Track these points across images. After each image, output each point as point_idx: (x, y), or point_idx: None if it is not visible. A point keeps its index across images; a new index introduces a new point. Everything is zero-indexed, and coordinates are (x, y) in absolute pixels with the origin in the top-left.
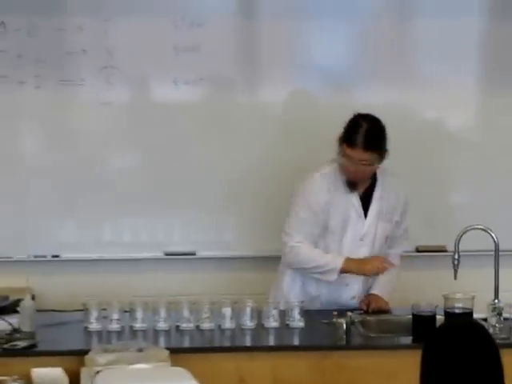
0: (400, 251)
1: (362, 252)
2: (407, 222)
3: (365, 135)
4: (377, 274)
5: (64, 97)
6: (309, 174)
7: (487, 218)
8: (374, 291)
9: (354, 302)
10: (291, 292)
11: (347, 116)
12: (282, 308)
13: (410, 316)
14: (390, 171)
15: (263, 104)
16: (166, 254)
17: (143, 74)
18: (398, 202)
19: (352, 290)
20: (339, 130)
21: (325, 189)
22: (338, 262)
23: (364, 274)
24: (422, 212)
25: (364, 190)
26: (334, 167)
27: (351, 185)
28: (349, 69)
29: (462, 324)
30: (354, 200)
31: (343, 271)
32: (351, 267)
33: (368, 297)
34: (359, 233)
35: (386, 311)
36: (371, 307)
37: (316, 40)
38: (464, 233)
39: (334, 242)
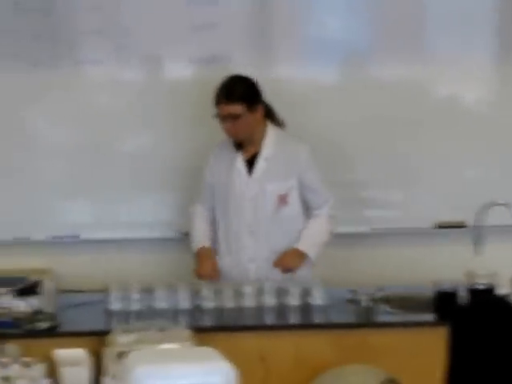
0: (325, 212)
1: (251, 214)
2: (321, 181)
3: (225, 88)
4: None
5: (79, 77)
6: None
7: (506, 192)
8: (296, 245)
9: (252, 266)
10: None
11: (360, 92)
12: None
13: (432, 293)
14: (288, 133)
15: (278, 81)
16: (186, 234)
17: (158, 52)
18: (295, 160)
19: (248, 253)
20: (354, 103)
21: (212, 156)
22: (195, 247)
23: (199, 276)
24: (441, 188)
25: (251, 155)
26: (226, 141)
27: (237, 145)
28: (362, 43)
29: (487, 300)
30: (238, 162)
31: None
32: (196, 258)
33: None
34: (243, 194)
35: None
36: (275, 265)
37: (329, 14)
38: (485, 208)
39: (219, 203)
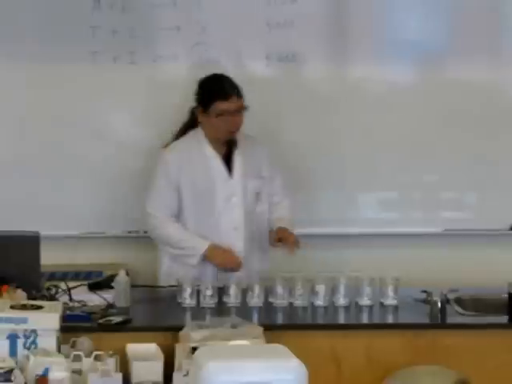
0: (286, 203)
1: (238, 212)
2: (281, 177)
3: (229, 83)
4: (234, 270)
5: (157, 73)
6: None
7: None
8: (279, 224)
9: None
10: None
11: (436, 93)
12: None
13: (506, 295)
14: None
15: (353, 79)
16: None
17: (236, 49)
18: (261, 156)
19: (236, 251)
20: (429, 104)
21: (176, 161)
22: (199, 248)
23: (224, 267)
24: None
25: (224, 153)
26: (188, 138)
27: (230, 142)
28: (439, 44)
29: None
30: (216, 163)
31: (206, 258)
32: (214, 257)
33: (278, 232)
34: (228, 193)
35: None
36: (285, 244)
37: (405, 15)
38: None
39: (204, 206)
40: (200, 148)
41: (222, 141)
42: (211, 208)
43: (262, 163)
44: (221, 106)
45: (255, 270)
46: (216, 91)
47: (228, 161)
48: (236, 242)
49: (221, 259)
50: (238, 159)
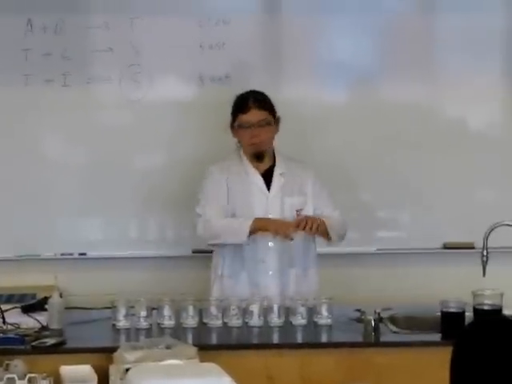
0: (337, 214)
1: None
2: (328, 192)
3: (253, 97)
4: (287, 236)
5: (90, 95)
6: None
7: None
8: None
9: (273, 279)
10: (215, 288)
11: (369, 114)
12: (310, 305)
13: (439, 313)
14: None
15: (288, 101)
16: (194, 252)
17: (169, 71)
18: (305, 176)
19: (269, 266)
20: (362, 125)
21: (221, 180)
22: (248, 221)
23: (276, 232)
24: (449, 209)
25: (264, 170)
26: (230, 157)
27: (257, 157)
28: (371, 65)
29: (492, 321)
30: (255, 178)
31: (255, 229)
32: (263, 224)
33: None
34: (265, 209)
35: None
36: (310, 227)
37: (338, 36)
38: (492, 229)
39: None
40: (240, 164)
41: (249, 155)
42: None
43: (305, 183)
44: (241, 118)
45: (293, 289)
46: (237, 105)
47: (268, 179)
48: (270, 258)
49: (274, 225)
50: (276, 177)
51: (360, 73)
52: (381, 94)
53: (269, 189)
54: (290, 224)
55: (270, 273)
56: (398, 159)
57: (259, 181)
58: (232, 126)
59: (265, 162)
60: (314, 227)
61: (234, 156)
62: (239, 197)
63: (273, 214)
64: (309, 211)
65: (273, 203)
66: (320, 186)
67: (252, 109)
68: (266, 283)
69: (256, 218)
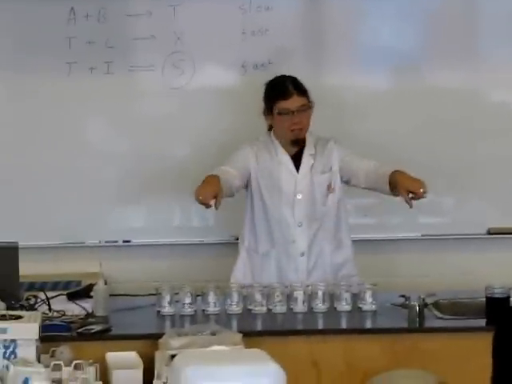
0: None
1: (302, 209)
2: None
3: (293, 83)
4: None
5: (133, 82)
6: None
7: None
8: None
9: (304, 259)
10: (242, 271)
11: (412, 99)
12: (354, 291)
13: (484, 298)
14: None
15: (330, 87)
16: (236, 239)
17: (211, 58)
18: (331, 151)
19: (299, 247)
20: (407, 110)
21: (250, 152)
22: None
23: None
24: (493, 194)
25: (294, 153)
26: (261, 139)
27: (297, 142)
28: (415, 50)
29: None
30: (284, 159)
31: None
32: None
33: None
34: (294, 189)
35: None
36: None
37: (381, 21)
38: None
39: (271, 201)
40: (272, 148)
41: (289, 141)
42: (277, 203)
43: (332, 157)
44: (281, 105)
45: (329, 265)
46: (276, 91)
47: (297, 160)
48: (300, 238)
49: (199, 187)
50: (306, 158)
51: (403, 58)
52: (424, 79)
53: (298, 169)
54: (206, 193)
55: (301, 252)
56: (441, 145)
57: (289, 162)
58: (268, 112)
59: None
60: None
61: (265, 139)
62: (267, 174)
63: (302, 194)
64: (337, 185)
65: (302, 184)
66: (344, 150)
67: (294, 95)
68: (296, 263)
69: (208, 176)
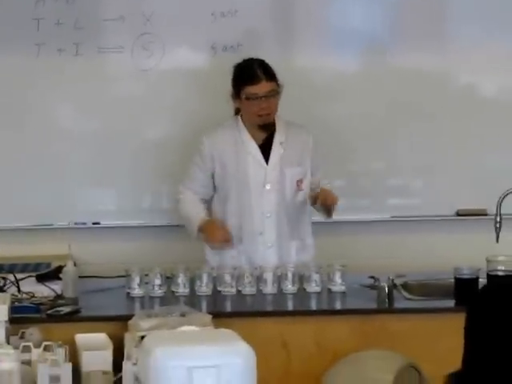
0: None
1: (271, 200)
2: (322, 170)
3: (261, 67)
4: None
5: (103, 64)
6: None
7: None
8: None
9: (272, 251)
10: (210, 256)
11: (381, 80)
12: (323, 272)
13: (452, 279)
14: (288, 120)
15: (299, 69)
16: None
17: (181, 39)
18: (305, 144)
19: (267, 239)
20: (375, 92)
21: (212, 144)
22: (197, 221)
23: (212, 243)
24: (461, 176)
25: (263, 139)
26: (227, 124)
27: (265, 126)
28: (383, 32)
29: (505, 285)
30: (252, 149)
31: (201, 232)
32: (203, 229)
33: (320, 194)
34: (262, 180)
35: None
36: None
37: (350, 3)
38: (505, 196)
39: (238, 192)
40: (238, 135)
41: (257, 126)
42: (245, 195)
43: (305, 151)
44: (249, 90)
45: (292, 260)
46: (245, 75)
47: (267, 148)
48: (268, 230)
49: (209, 234)
50: (275, 147)
51: (372, 40)
52: (393, 61)
53: (267, 159)
54: (226, 235)
55: (269, 245)
56: (409, 126)
57: (256, 152)
58: (235, 96)
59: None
60: (334, 205)
61: (232, 123)
62: (235, 169)
63: (271, 186)
64: (306, 184)
65: (271, 175)
66: (318, 153)
67: (262, 80)
68: (264, 256)
69: (205, 220)
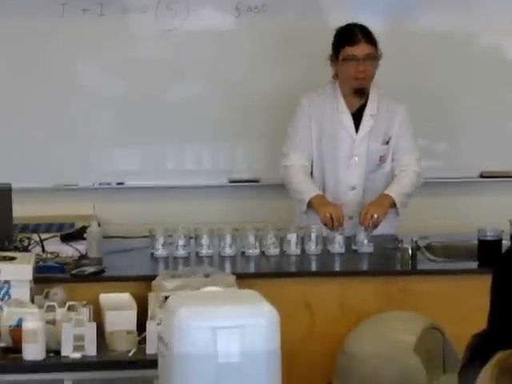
0: (412, 167)
1: (355, 172)
2: (414, 139)
3: (362, 31)
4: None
5: (126, 24)
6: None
7: None
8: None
9: (352, 222)
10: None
11: (405, 42)
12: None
13: (476, 241)
14: (385, 90)
15: (324, 31)
16: (231, 182)
17: (205, 0)
18: (395, 115)
19: (348, 210)
20: (399, 54)
21: (308, 107)
22: (309, 195)
23: (324, 223)
24: (486, 138)
25: (356, 109)
26: (325, 89)
27: (359, 91)
28: None
29: None
30: (345, 119)
31: (312, 207)
32: (315, 205)
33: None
34: (350, 152)
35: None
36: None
37: None
38: None
39: (326, 161)
40: (333, 101)
41: (352, 90)
42: (332, 165)
43: (394, 123)
44: (348, 50)
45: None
46: (344, 36)
47: (358, 119)
48: (352, 201)
49: (325, 212)
50: (367, 119)
51: (395, 2)
52: (416, 23)
53: (357, 129)
54: (340, 218)
55: (350, 216)
56: (434, 89)
57: (348, 122)
58: (333, 58)
59: (358, 99)
60: (373, 225)
61: (329, 89)
62: (326, 136)
63: (358, 157)
64: (389, 157)
65: (359, 146)
66: (406, 127)
67: (361, 42)
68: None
69: (316, 197)
